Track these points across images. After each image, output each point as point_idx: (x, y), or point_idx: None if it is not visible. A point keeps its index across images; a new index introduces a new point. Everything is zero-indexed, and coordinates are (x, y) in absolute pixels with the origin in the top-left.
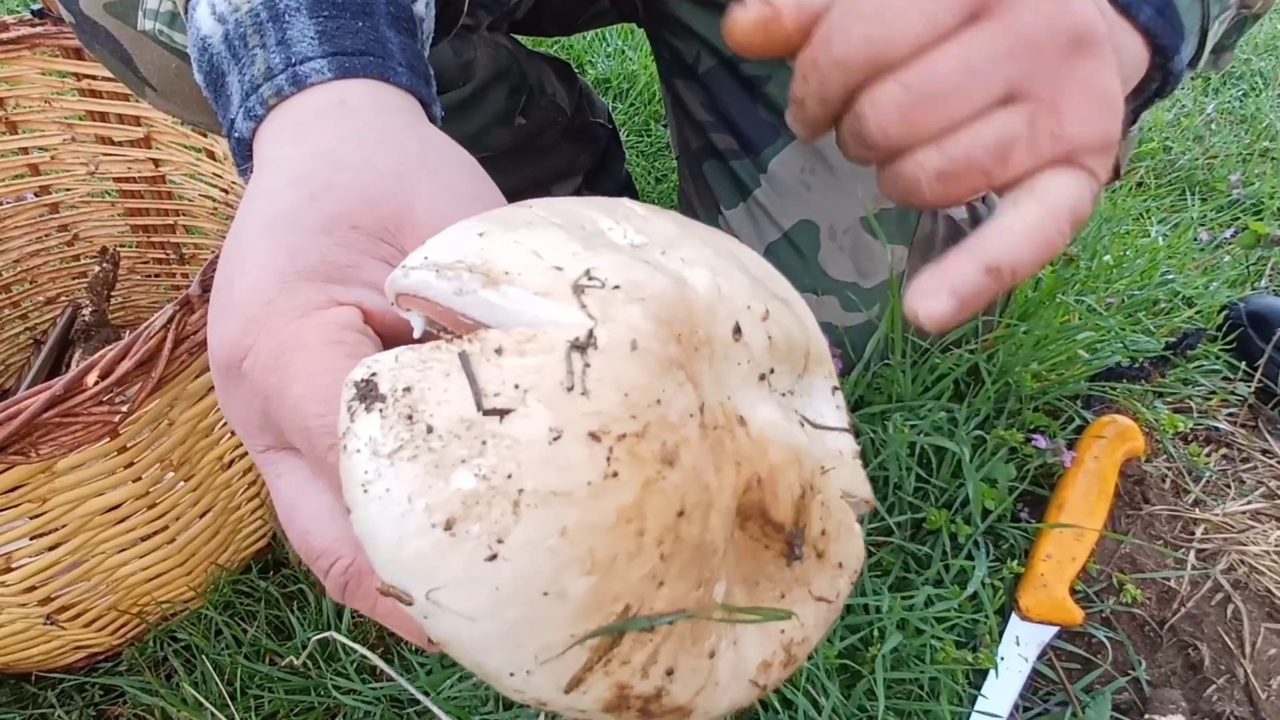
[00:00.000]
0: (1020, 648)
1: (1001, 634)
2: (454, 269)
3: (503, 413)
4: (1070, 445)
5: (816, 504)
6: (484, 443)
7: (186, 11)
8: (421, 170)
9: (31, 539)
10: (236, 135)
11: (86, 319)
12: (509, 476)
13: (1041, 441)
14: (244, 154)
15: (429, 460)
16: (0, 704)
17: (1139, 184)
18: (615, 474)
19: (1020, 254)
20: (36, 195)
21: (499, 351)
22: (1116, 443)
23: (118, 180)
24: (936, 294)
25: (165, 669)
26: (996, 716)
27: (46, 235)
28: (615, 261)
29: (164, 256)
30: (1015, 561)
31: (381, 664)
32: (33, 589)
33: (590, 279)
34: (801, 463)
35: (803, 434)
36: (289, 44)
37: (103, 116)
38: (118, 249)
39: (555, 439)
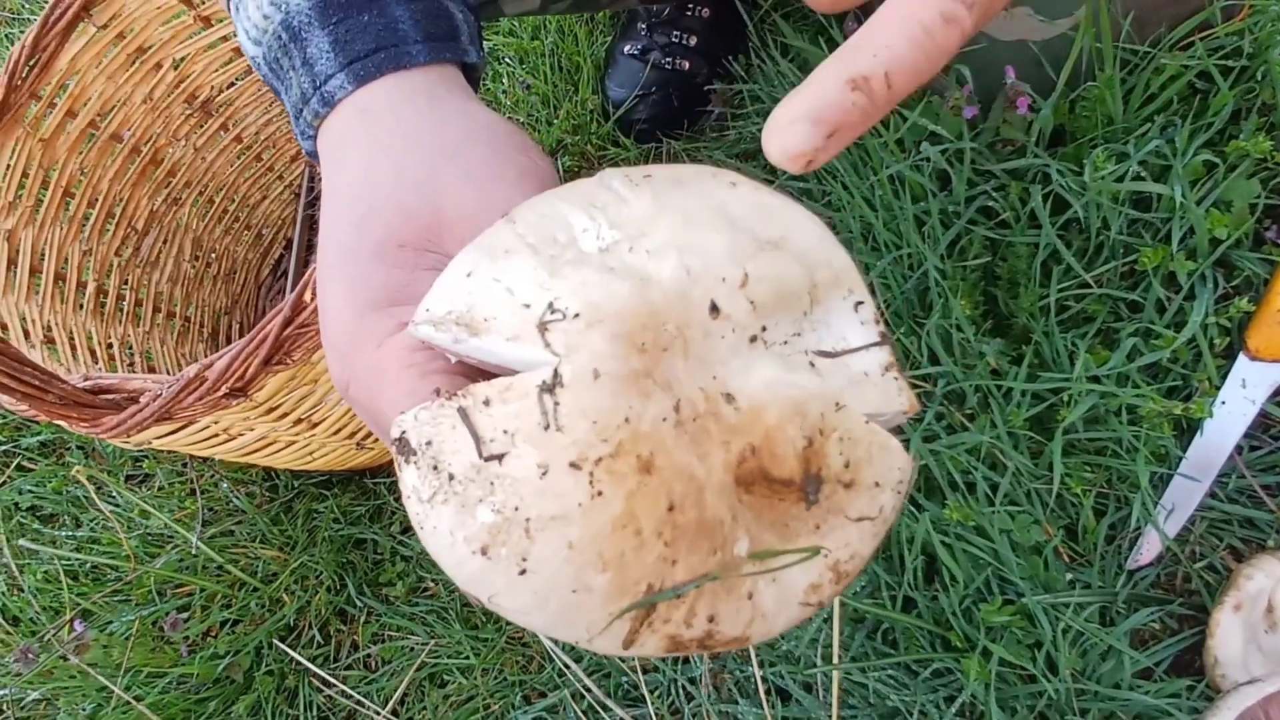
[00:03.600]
0: (1246, 390)
1: (1224, 378)
2: (444, 322)
3: (499, 456)
4: None
5: (833, 442)
6: (492, 483)
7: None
8: (444, 163)
9: (317, 404)
10: (307, 151)
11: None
12: (516, 509)
13: None
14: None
15: (457, 502)
16: (351, 496)
17: None
18: (600, 493)
19: (893, 55)
20: (245, 76)
21: (487, 403)
22: None
23: None
24: (793, 125)
25: None
26: (1198, 481)
27: (269, 107)
28: (577, 283)
29: None
30: (1247, 299)
31: None
32: (339, 430)
33: (553, 313)
34: (805, 414)
35: (810, 377)
36: (311, 64)
37: None
38: None
39: (544, 473)
